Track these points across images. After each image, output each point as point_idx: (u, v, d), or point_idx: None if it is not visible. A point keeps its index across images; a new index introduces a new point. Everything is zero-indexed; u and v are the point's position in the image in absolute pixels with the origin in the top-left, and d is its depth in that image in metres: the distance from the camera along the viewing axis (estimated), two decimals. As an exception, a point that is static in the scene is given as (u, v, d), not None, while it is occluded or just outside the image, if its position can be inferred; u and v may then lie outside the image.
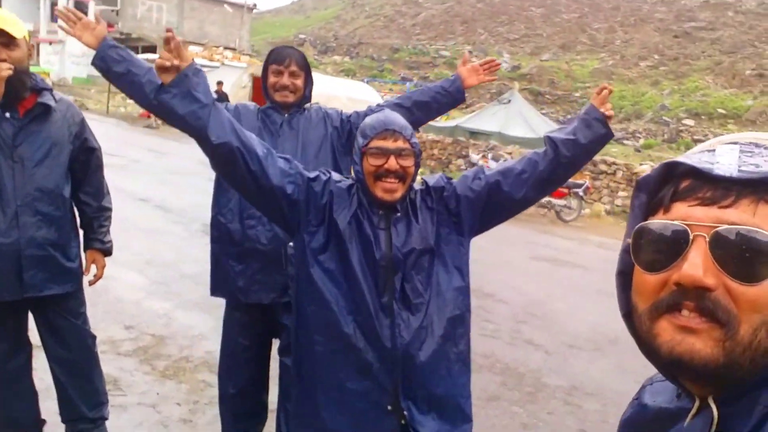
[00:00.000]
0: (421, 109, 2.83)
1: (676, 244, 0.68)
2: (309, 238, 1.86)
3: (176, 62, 1.67)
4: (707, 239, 0.66)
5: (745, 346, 0.65)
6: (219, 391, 2.80)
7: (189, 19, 36.54)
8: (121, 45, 2.42)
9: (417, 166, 1.85)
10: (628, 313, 0.77)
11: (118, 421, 3.04)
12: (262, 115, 2.63)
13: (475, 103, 24.80)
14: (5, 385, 2.64)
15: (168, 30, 1.67)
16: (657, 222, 0.71)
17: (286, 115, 2.61)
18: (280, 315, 2.62)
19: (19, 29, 2.38)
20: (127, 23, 33.93)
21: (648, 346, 0.72)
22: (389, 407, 1.81)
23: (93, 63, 2.36)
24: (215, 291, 2.71)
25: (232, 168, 1.77)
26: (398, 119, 1.86)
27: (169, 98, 1.68)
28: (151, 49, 30.43)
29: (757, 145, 0.73)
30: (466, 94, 2.99)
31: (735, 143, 0.74)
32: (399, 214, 1.86)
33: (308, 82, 2.63)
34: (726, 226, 0.66)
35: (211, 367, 3.78)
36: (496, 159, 11.79)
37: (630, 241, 0.74)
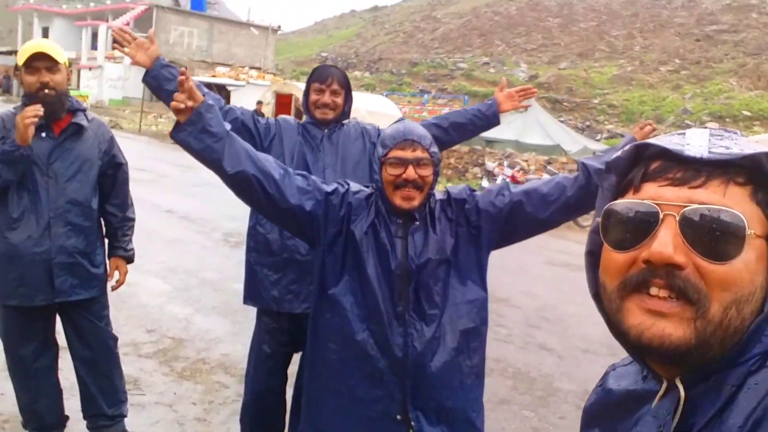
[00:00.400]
0: (457, 130, 2.90)
1: (646, 224, 0.67)
2: (327, 249, 1.88)
3: (190, 103, 1.72)
4: (677, 218, 0.66)
5: (716, 324, 0.65)
6: (243, 395, 2.86)
7: (217, 42, 37.27)
8: (173, 64, 2.51)
9: (436, 175, 1.85)
10: (597, 292, 0.77)
11: (137, 419, 3.13)
12: (302, 130, 2.68)
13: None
14: (33, 382, 2.76)
15: (181, 72, 1.72)
16: (627, 201, 0.71)
17: (325, 130, 2.65)
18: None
19: (60, 55, 2.55)
20: (161, 48, 34.68)
21: (617, 327, 0.71)
22: (398, 416, 1.80)
23: (144, 80, 2.46)
24: (248, 300, 2.73)
25: (250, 193, 1.81)
26: (417, 129, 1.85)
27: (185, 136, 1.73)
28: (181, 70, 31.11)
29: (726, 130, 0.73)
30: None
31: (705, 128, 0.74)
32: (417, 224, 1.85)
33: (348, 99, 2.68)
34: (696, 206, 0.65)
35: (226, 369, 3.87)
36: (512, 166, 11.75)
37: (600, 220, 0.74)
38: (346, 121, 2.74)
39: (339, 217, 1.87)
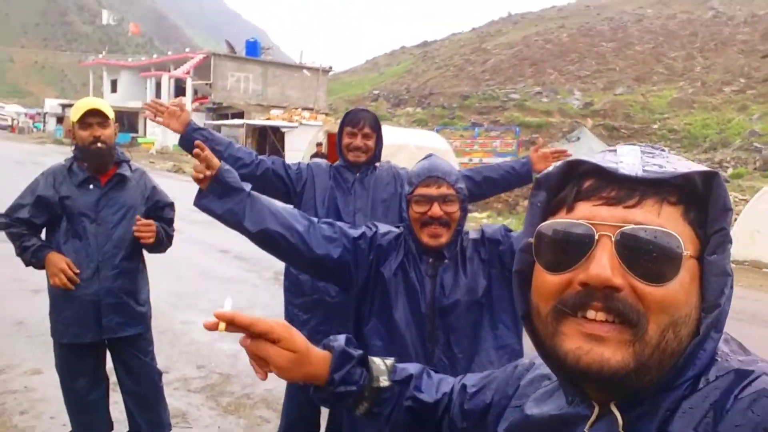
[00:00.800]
0: (489, 184, 3.06)
1: (581, 244, 0.66)
2: (360, 294, 1.92)
3: (208, 172, 1.81)
4: (613, 239, 0.64)
5: (654, 347, 0.64)
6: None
7: (272, 85, 38.80)
8: (204, 127, 2.74)
9: (464, 211, 1.85)
10: (527, 313, 0.75)
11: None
12: (334, 173, 2.80)
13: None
14: (86, 414, 2.98)
15: (197, 145, 1.83)
16: (561, 221, 0.69)
17: (357, 174, 2.77)
18: None
19: (110, 111, 2.84)
20: (218, 94, 36.57)
21: (550, 351, 0.69)
22: None
23: (179, 144, 2.68)
24: None
25: (276, 248, 1.87)
26: (442, 165, 1.85)
27: (207, 203, 1.83)
28: (239, 114, 32.54)
29: (654, 147, 0.73)
30: (537, 135, 3.18)
31: (634, 144, 0.73)
32: (447, 262, 1.84)
33: (379, 141, 2.79)
34: (632, 226, 0.64)
35: (269, 404, 4.01)
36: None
37: (532, 240, 0.72)
38: (378, 164, 2.85)
39: (368, 261, 1.89)
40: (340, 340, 1.03)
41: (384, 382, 1.02)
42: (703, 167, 0.68)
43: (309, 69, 39.92)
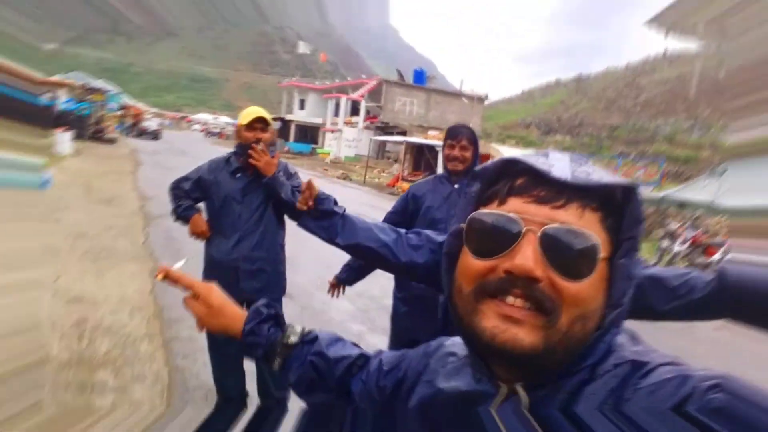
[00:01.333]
0: None
1: (509, 235, 0.67)
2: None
3: (311, 203, 1.97)
4: (538, 235, 0.65)
5: (563, 334, 0.65)
6: None
7: (433, 110, 39.47)
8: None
9: None
10: (451, 293, 0.75)
11: (297, 405, 3.45)
12: (436, 183, 2.91)
13: (695, 176, 21.94)
14: (223, 364, 3.24)
15: (305, 183, 1.98)
16: (493, 212, 0.70)
17: (456, 185, 2.83)
18: None
19: (270, 119, 3.11)
20: (387, 115, 38.06)
21: (469, 328, 0.69)
22: None
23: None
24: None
25: (365, 258, 1.96)
26: None
27: (307, 223, 1.98)
28: (403, 133, 33.53)
29: (581, 157, 0.74)
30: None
31: (564, 153, 0.75)
32: None
33: (475, 154, 2.85)
34: (556, 225, 0.65)
35: (380, 379, 4.07)
36: (695, 227, 10.34)
37: (464, 225, 0.72)
38: None
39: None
40: (262, 301, 1.12)
41: (293, 339, 1.07)
42: (624, 180, 0.69)
43: (467, 96, 39.96)
